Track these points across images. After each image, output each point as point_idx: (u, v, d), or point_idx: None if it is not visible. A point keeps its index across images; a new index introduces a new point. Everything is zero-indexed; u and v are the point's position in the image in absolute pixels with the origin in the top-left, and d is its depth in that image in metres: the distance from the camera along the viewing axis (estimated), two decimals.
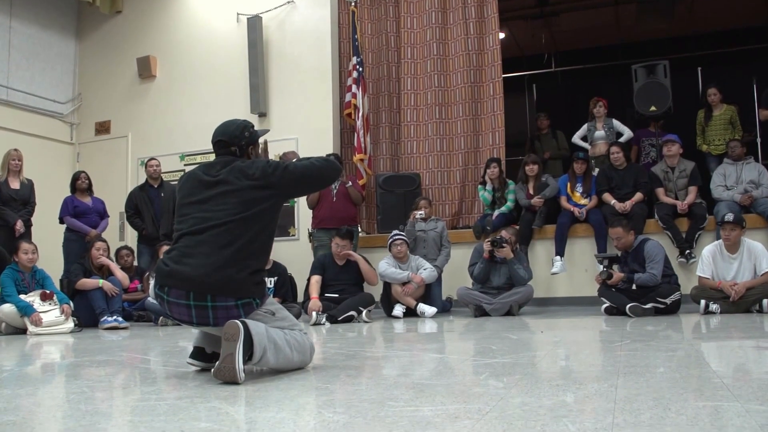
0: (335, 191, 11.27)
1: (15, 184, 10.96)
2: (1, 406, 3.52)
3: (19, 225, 10.64)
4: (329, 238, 10.52)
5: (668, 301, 8.76)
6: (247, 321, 4.18)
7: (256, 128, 4.91)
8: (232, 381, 3.97)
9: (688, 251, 10.45)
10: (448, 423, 2.80)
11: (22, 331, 9.04)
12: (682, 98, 12.52)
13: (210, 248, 4.38)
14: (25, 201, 11.01)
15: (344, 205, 11.29)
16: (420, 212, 10.85)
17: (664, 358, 4.73)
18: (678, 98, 11.76)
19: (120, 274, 10.38)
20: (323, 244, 11.04)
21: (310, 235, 11.80)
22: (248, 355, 4.09)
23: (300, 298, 10.63)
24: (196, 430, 2.82)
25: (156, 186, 11.95)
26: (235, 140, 4.77)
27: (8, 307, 9.07)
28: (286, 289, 10.41)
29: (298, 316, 9.89)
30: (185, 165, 13.53)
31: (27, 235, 10.71)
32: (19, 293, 9.25)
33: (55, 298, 9.43)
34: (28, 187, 11.13)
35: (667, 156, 10.86)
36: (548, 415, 2.89)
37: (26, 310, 9.00)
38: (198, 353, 4.66)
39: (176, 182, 5.04)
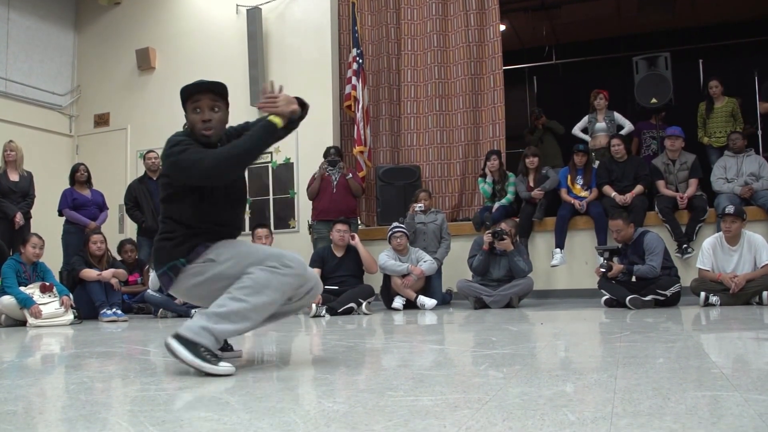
0: (335, 183, 11.29)
1: (14, 177, 10.97)
2: (1, 396, 3.52)
3: (19, 217, 10.66)
4: (329, 230, 10.50)
5: (668, 293, 8.77)
6: (178, 331, 4.08)
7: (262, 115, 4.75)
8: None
9: (685, 245, 10.46)
10: (448, 412, 2.80)
11: (22, 323, 9.06)
12: (683, 90, 12.50)
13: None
14: (24, 193, 11.03)
15: (344, 197, 11.29)
16: (419, 205, 10.85)
17: (663, 349, 4.73)
18: (679, 90, 11.75)
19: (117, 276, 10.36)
20: (323, 236, 11.04)
21: (310, 227, 11.80)
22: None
23: None
24: (196, 420, 2.82)
25: (155, 178, 11.84)
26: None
27: (8, 299, 9.09)
28: None
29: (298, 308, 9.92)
30: None
31: (26, 228, 10.73)
32: (20, 285, 9.26)
33: (54, 290, 9.44)
34: (28, 179, 11.15)
35: (670, 150, 10.85)
36: (548, 404, 2.89)
37: (26, 302, 9.01)
38: None
39: None
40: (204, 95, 4.54)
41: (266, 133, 4.46)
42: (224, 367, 3.98)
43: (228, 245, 4.48)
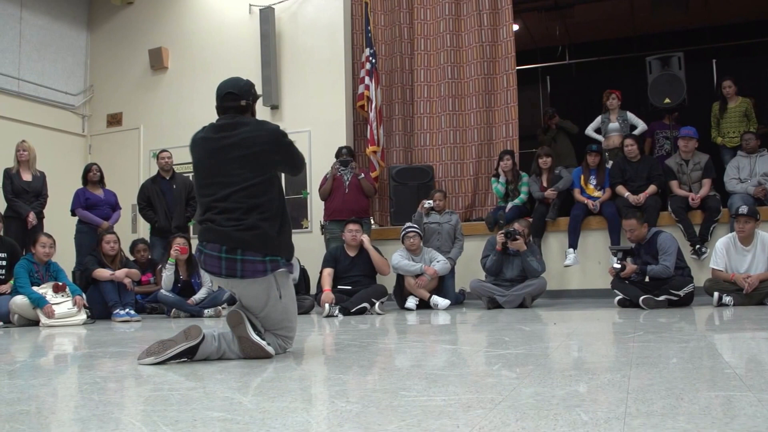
0: (347, 183, 11.29)
1: (27, 176, 10.99)
2: (14, 396, 3.53)
3: (32, 217, 10.69)
4: (341, 230, 10.50)
5: (681, 293, 8.75)
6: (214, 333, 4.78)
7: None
8: (263, 356, 4.61)
9: (698, 246, 10.45)
10: (461, 412, 2.80)
11: (35, 323, 9.06)
12: (696, 90, 12.50)
13: (239, 212, 4.71)
14: (37, 193, 11.06)
15: (356, 197, 11.29)
16: (428, 201, 10.86)
17: (676, 349, 4.72)
18: (692, 90, 11.74)
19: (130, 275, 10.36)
20: (335, 236, 11.04)
21: (323, 227, 11.79)
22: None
23: (313, 290, 10.64)
24: (209, 419, 2.82)
25: (168, 178, 11.88)
26: (246, 95, 5.04)
27: (21, 299, 9.09)
28: (298, 282, 10.42)
29: (311, 308, 9.93)
30: None
31: (39, 228, 10.74)
32: (33, 285, 9.27)
33: (67, 290, 9.43)
34: (41, 179, 11.17)
35: (684, 150, 10.82)
36: (561, 404, 2.89)
37: (39, 301, 9.01)
38: None
39: (188, 174, 5.25)
40: None
41: None
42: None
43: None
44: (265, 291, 4.74)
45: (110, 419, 2.90)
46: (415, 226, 10.39)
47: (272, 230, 4.76)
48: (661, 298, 8.67)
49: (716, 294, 8.64)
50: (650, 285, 8.95)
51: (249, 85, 5.10)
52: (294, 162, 5.05)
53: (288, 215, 4.98)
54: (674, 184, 10.82)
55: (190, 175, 12.75)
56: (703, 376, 3.57)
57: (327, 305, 9.17)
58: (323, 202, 11.62)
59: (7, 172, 10.94)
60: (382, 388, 3.45)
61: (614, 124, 12.11)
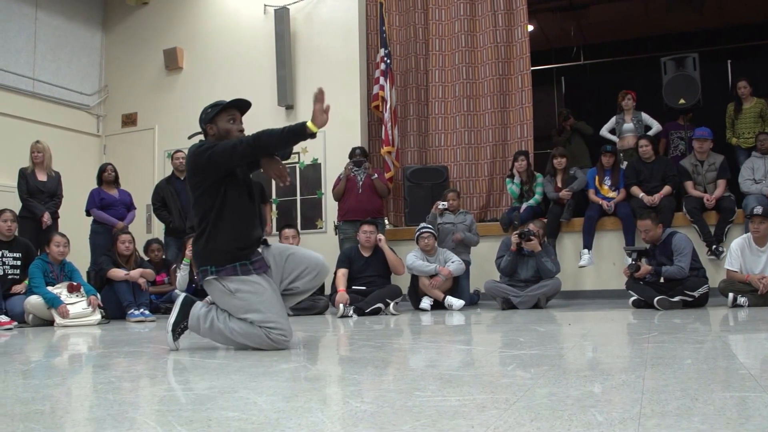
0: (361, 183, 11.29)
1: (42, 177, 11.01)
2: (29, 395, 3.54)
3: (46, 217, 10.70)
4: (355, 230, 10.50)
5: (696, 294, 8.72)
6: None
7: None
8: None
9: (714, 246, 10.42)
10: (476, 413, 2.79)
11: (50, 322, 9.08)
12: (711, 91, 12.44)
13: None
14: (52, 193, 11.08)
15: (370, 198, 11.29)
16: (443, 203, 10.85)
17: (691, 350, 4.70)
18: (707, 91, 11.69)
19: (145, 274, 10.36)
20: (349, 237, 11.05)
21: (336, 227, 11.80)
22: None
23: (327, 291, 10.64)
24: (224, 419, 2.82)
25: (182, 178, 11.81)
26: (201, 124, 5.64)
27: (35, 299, 9.11)
28: None
29: (325, 309, 9.92)
30: None
31: (54, 228, 10.76)
32: (47, 284, 9.28)
33: (82, 290, 9.45)
34: (55, 179, 11.19)
35: (698, 151, 10.80)
36: (575, 405, 2.88)
37: (53, 301, 9.02)
38: None
39: None
40: (239, 111, 5.55)
41: (295, 132, 5.22)
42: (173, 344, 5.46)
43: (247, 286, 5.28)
44: (213, 293, 5.35)
45: (125, 419, 2.90)
46: (430, 226, 10.39)
47: (203, 247, 5.33)
48: (676, 299, 8.65)
49: (731, 295, 8.62)
50: (665, 286, 8.93)
51: (201, 113, 5.62)
52: (229, 163, 5.26)
53: (224, 225, 5.30)
54: (689, 185, 10.80)
55: None
56: (717, 376, 3.55)
57: (341, 306, 9.17)
58: (337, 203, 11.63)
59: (22, 172, 10.96)
60: (396, 388, 3.44)
61: (629, 125, 12.09)
